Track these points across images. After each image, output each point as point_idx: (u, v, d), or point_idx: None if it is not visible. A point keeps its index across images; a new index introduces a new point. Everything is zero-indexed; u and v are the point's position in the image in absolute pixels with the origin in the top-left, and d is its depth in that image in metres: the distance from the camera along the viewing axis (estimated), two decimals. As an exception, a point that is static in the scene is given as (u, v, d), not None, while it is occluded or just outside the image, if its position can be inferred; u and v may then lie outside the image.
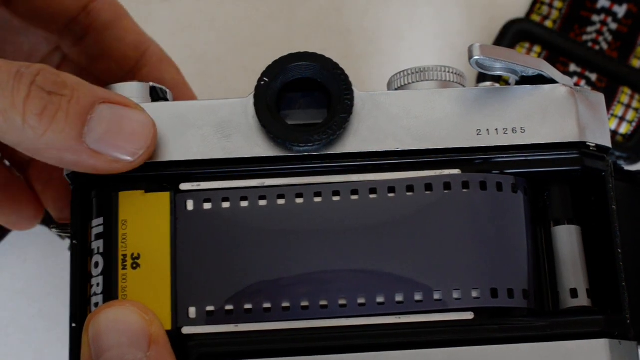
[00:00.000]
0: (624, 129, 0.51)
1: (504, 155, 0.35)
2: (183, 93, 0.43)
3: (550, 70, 0.35)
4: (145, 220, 0.34)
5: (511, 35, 0.50)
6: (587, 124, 0.35)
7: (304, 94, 0.35)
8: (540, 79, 0.35)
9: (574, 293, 0.35)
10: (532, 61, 0.34)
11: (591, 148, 0.35)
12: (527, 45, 0.50)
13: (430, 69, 0.36)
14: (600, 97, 0.36)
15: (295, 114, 0.35)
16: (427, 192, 0.34)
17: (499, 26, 0.51)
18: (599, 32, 0.52)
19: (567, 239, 0.35)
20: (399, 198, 0.34)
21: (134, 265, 0.33)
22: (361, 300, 0.33)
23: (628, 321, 0.34)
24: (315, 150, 0.34)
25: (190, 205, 0.34)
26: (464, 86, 0.36)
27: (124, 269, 0.33)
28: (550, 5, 0.52)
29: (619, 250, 0.35)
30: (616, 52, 0.52)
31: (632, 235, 0.36)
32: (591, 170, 0.35)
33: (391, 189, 0.34)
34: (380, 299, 0.33)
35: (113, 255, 0.33)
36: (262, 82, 0.34)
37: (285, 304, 0.33)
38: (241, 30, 0.53)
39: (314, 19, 0.53)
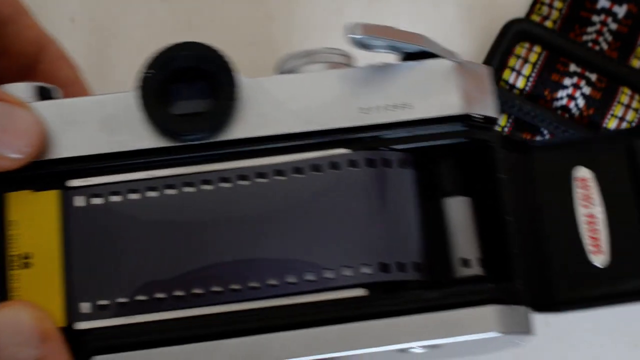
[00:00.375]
0: (624, 129, 0.51)
1: (391, 132, 0.35)
2: (77, 91, 0.43)
3: (432, 45, 0.35)
4: (34, 220, 0.34)
5: (511, 35, 0.50)
6: (472, 96, 0.35)
7: (190, 84, 0.35)
8: (424, 54, 0.35)
9: (466, 263, 0.35)
10: (413, 37, 0.35)
11: (477, 120, 0.35)
12: (527, 45, 0.50)
13: (316, 51, 0.36)
14: (485, 70, 0.36)
15: (182, 104, 0.35)
16: (315, 173, 0.34)
17: (499, 26, 0.51)
18: (599, 33, 0.52)
19: (457, 210, 0.35)
20: (287, 181, 0.34)
21: (25, 265, 0.33)
22: (253, 284, 0.34)
23: (519, 287, 0.34)
24: (202, 138, 0.34)
25: (79, 201, 0.34)
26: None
27: (14, 269, 0.33)
28: (550, 6, 0.52)
29: (509, 219, 0.35)
30: (616, 52, 0.52)
31: (523, 202, 0.37)
32: (479, 142, 0.35)
33: (279, 172, 0.34)
34: (272, 282, 0.34)
35: (2, 256, 0.33)
36: (145, 74, 0.34)
37: (178, 293, 0.33)
38: (241, 30, 0.53)
39: (314, 19, 0.53)
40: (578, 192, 0.38)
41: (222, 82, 0.34)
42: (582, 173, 0.38)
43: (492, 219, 0.35)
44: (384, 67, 0.35)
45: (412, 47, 0.35)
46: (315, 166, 0.34)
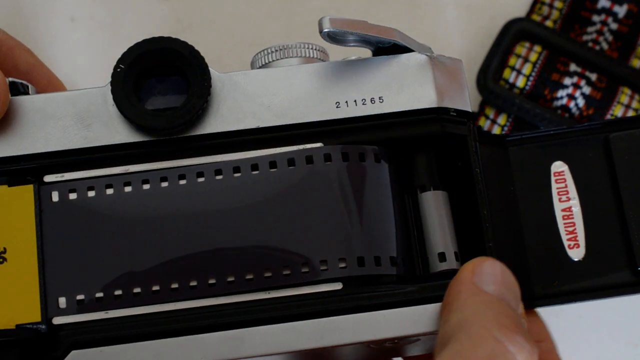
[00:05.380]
0: (624, 130, 0.51)
1: (365, 125, 0.35)
2: (40, 74, 0.43)
3: (405, 39, 0.35)
4: (9, 214, 0.34)
5: (511, 34, 0.51)
6: (445, 90, 0.35)
7: (164, 79, 0.35)
8: (396, 49, 0.36)
9: (442, 257, 0.35)
10: (386, 31, 0.35)
11: (451, 113, 0.35)
12: (527, 44, 0.50)
13: (291, 46, 0.36)
14: (458, 64, 0.36)
15: (156, 99, 0.35)
16: (290, 167, 0.34)
17: (499, 26, 0.51)
18: (600, 32, 0.52)
19: (433, 204, 0.35)
20: (262, 175, 0.34)
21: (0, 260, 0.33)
22: (230, 279, 0.34)
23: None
24: (176, 133, 0.34)
25: (55, 196, 0.34)
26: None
27: None
28: (551, 6, 0.52)
29: (484, 212, 0.35)
30: (616, 52, 0.51)
31: (501, 197, 0.37)
32: (453, 136, 0.35)
33: (254, 167, 0.34)
34: (248, 276, 0.34)
35: None
36: (118, 69, 0.34)
37: (155, 287, 0.33)
38: (241, 30, 0.53)
39: (314, 19, 0.53)
40: (554, 186, 0.38)
41: (195, 77, 0.34)
42: (559, 167, 0.38)
43: (468, 212, 0.35)
44: (358, 62, 0.35)
45: (385, 41, 0.35)
46: (290, 160, 0.34)
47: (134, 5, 0.52)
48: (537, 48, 0.50)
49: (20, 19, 0.52)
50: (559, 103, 0.49)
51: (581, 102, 0.49)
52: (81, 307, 0.33)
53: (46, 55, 0.49)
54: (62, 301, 0.33)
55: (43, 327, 0.33)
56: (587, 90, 0.49)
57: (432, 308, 0.33)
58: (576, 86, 0.49)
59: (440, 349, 0.31)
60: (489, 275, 0.32)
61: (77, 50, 0.52)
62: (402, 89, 0.35)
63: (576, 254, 0.37)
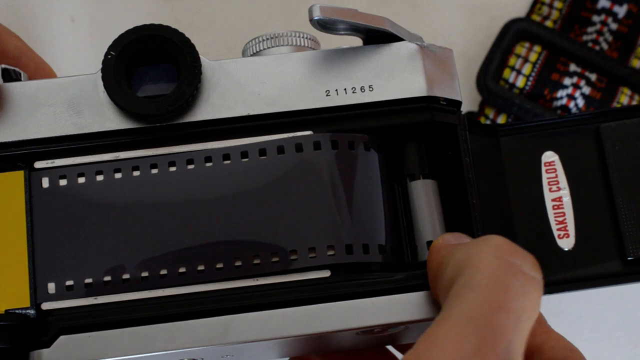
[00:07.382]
0: (624, 130, 0.51)
1: (355, 114, 0.35)
2: (29, 58, 0.43)
3: (395, 28, 0.35)
4: None
5: (511, 34, 0.51)
6: (435, 79, 0.35)
7: (155, 67, 0.35)
8: (387, 37, 0.36)
9: (430, 245, 0.35)
10: (376, 19, 0.35)
11: (441, 102, 0.35)
12: (527, 44, 0.50)
13: (282, 34, 0.36)
14: (449, 53, 0.36)
15: (147, 87, 0.35)
16: (279, 155, 0.34)
17: (499, 26, 0.51)
18: (599, 32, 0.52)
19: (422, 193, 0.36)
20: (252, 162, 0.34)
21: None
22: (219, 265, 0.34)
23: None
24: (166, 120, 0.35)
25: (45, 182, 0.34)
26: None
27: None
28: (551, 6, 0.52)
29: (474, 201, 0.35)
30: (616, 52, 0.52)
31: (491, 186, 0.37)
32: (443, 125, 0.35)
33: (244, 154, 0.34)
34: (237, 263, 0.34)
35: None
36: (109, 56, 0.34)
37: (144, 274, 0.34)
38: (241, 30, 0.53)
39: None
40: (545, 176, 0.38)
41: (185, 64, 0.34)
42: (549, 157, 0.38)
43: (457, 202, 0.36)
44: (348, 50, 0.36)
45: (376, 29, 0.35)
46: (279, 148, 0.34)
47: (134, 6, 0.52)
48: (537, 48, 0.50)
49: (19, 19, 0.52)
50: (558, 103, 0.50)
51: (581, 102, 0.49)
52: (70, 293, 0.34)
53: (46, 55, 0.50)
54: (52, 286, 0.34)
55: (32, 312, 0.33)
56: (586, 90, 0.49)
57: (420, 295, 0.34)
58: (576, 86, 0.49)
59: (446, 297, 0.30)
60: (455, 236, 0.32)
61: (77, 50, 0.53)
62: (392, 77, 0.35)
63: (566, 243, 0.37)
